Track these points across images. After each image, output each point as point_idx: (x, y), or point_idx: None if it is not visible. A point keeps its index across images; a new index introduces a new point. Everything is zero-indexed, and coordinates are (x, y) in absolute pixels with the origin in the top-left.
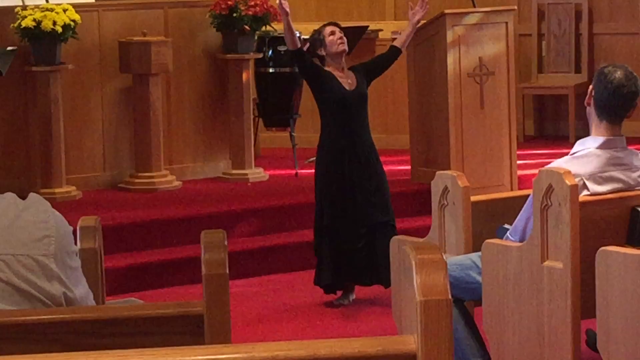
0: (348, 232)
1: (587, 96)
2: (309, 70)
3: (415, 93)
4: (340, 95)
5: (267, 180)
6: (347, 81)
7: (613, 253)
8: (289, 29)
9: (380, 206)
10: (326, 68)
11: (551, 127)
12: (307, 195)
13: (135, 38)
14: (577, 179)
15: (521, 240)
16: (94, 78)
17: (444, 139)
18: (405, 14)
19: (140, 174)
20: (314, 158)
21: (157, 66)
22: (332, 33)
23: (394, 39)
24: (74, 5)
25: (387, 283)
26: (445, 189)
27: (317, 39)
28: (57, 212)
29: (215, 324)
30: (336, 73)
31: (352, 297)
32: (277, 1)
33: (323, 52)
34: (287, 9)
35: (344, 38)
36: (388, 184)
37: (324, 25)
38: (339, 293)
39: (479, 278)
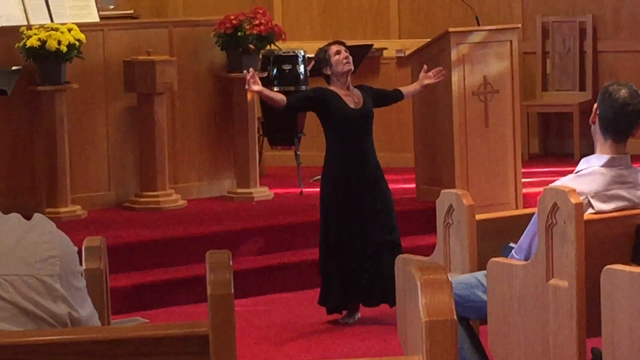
0: (354, 252)
1: (592, 114)
2: (307, 107)
3: (420, 111)
4: (345, 115)
5: (272, 199)
6: (353, 100)
7: (618, 271)
8: (268, 97)
9: (387, 225)
10: (331, 87)
11: (556, 145)
12: (312, 214)
13: (140, 57)
14: (582, 197)
15: (526, 259)
16: (99, 97)
17: (449, 157)
18: (409, 32)
19: (145, 193)
20: (320, 177)
21: (162, 85)
22: (338, 52)
23: (399, 57)
24: (79, 25)
25: (393, 302)
26: (450, 207)
27: (322, 58)
28: (62, 233)
29: (221, 345)
30: (341, 92)
31: (358, 315)
32: (246, 81)
33: (328, 72)
34: (256, 87)
35: (350, 57)
36: (393, 203)
37: (330, 44)
38: (344, 312)
39: (484, 297)
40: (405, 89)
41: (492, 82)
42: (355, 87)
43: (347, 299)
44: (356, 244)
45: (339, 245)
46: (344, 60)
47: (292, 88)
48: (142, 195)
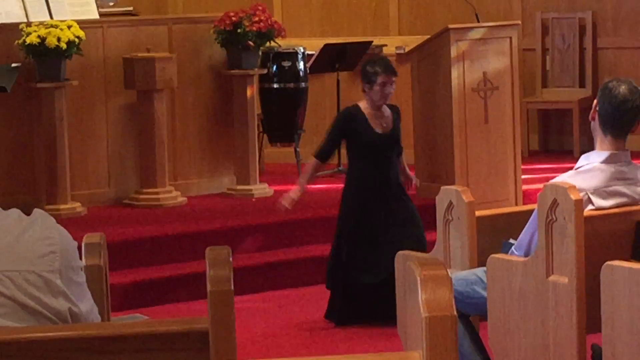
0: (367, 271)
1: (592, 111)
2: (339, 141)
3: (420, 108)
4: (370, 140)
5: (272, 196)
6: (381, 124)
7: (618, 268)
8: (308, 179)
9: (419, 242)
10: (361, 105)
11: (555, 141)
12: (312, 211)
13: (139, 54)
14: (581, 194)
15: (526, 255)
16: (99, 94)
17: (449, 154)
18: (409, 29)
19: (145, 190)
20: (320, 173)
21: (162, 82)
22: (383, 84)
23: (399, 53)
24: (78, 22)
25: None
26: (450, 204)
27: (370, 74)
28: (61, 228)
29: (221, 341)
30: (370, 112)
31: None
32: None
33: (366, 89)
34: (288, 204)
35: (392, 92)
36: (419, 217)
37: (384, 70)
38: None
39: (484, 293)
40: (400, 162)
41: (492, 79)
42: (388, 105)
43: (353, 315)
44: (370, 266)
45: (350, 264)
46: (385, 95)
47: (291, 85)
48: (141, 192)
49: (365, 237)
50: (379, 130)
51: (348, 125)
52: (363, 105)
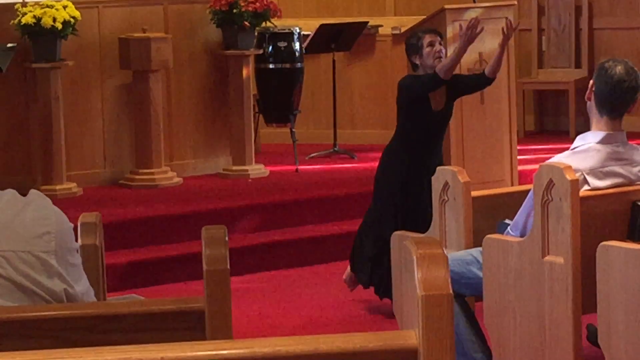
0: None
1: (588, 91)
2: (429, 91)
3: None
4: (428, 120)
5: (268, 176)
6: (435, 98)
7: (614, 248)
8: (458, 57)
9: None
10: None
11: (551, 122)
12: (308, 191)
13: (135, 34)
14: (577, 174)
15: (522, 236)
16: (94, 75)
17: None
18: (405, 9)
19: (140, 171)
20: (316, 154)
21: (157, 62)
22: (432, 44)
23: (394, 34)
24: (74, 2)
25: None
26: (446, 184)
27: (414, 44)
28: (57, 209)
29: (216, 320)
30: None
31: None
32: (469, 26)
33: (417, 61)
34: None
35: (444, 51)
36: None
37: (425, 32)
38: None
39: (479, 273)
40: (490, 68)
41: (488, 59)
42: None
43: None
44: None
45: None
46: (437, 54)
47: (287, 65)
48: (137, 173)
49: (407, 215)
50: (434, 106)
51: (422, 94)
52: None
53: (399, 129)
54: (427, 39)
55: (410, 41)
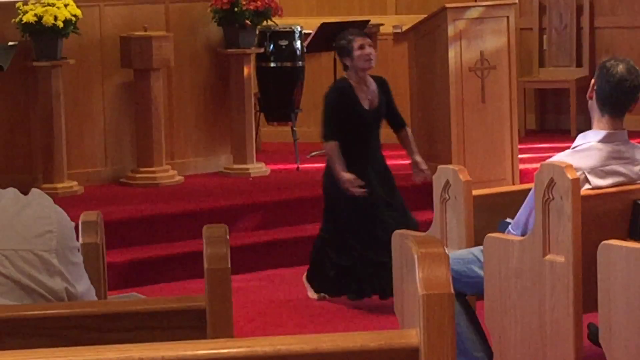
0: (362, 242)
1: (589, 90)
2: (339, 117)
3: (417, 87)
4: (357, 116)
5: (269, 175)
6: (367, 97)
7: (615, 247)
8: (341, 166)
9: (406, 221)
10: (348, 78)
11: (552, 121)
12: (309, 190)
13: (136, 33)
14: (578, 173)
15: (523, 234)
16: (95, 73)
17: (446, 133)
18: (406, 8)
19: (141, 169)
20: (317, 152)
21: (159, 61)
22: (362, 47)
23: (395, 33)
24: (75, 0)
25: (386, 294)
26: (447, 183)
27: (345, 47)
28: (59, 208)
29: (218, 319)
30: (356, 86)
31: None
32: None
33: (347, 62)
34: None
35: (374, 54)
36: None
37: (355, 35)
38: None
39: (480, 272)
40: (406, 135)
41: (489, 58)
42: (373, 77)
43: (339, 289)
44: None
45: (344, 234)
46: (366, 57)
47: (288, 64)
48: (138, 171)
49: (359, 212)
50: (366, 105)
51: (342, 100)
52: (350, 79)
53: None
54: (357, 42)
55: (341, 44)
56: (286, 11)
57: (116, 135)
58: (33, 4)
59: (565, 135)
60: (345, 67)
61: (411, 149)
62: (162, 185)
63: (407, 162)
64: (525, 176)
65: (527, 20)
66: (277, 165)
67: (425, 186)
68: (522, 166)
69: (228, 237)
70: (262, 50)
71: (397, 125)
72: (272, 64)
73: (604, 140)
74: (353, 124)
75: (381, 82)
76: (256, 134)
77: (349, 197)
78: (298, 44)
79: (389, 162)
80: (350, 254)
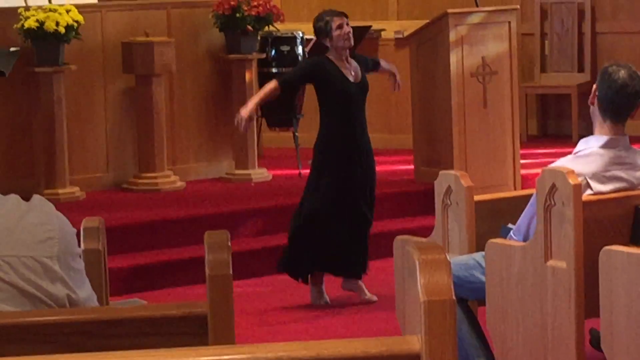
0: (337, 222)
1: (591, 95)
2: (305, 79)
3: (418, 93)
4: (345, 88)
5: (270, 181)
6: (351, 72)
7: (617, 252)
8: (262, 99)
9: (370, 202)
10: (329, 55)
11: (554, 126)
12: None
13: (138, 38)
14: (580, 178)
15: (525, 240)
16: (97, 79)
17: (447, 139)
18: (408, 13)
19: (143, 175)
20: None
21: (160, 67)
22: (340, 27)
23: (397, 38)
24: (77, 6)
25: (357, 274)
26: (449, 188)
27: (323, 28)
28: (60, 214)
29: (219, 325)
30: (339, 63)
31: (325, 296)
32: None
33: (327, 43)
34: (244, 115)
35: (351, 32)
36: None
37: (332, 15)
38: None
39: (482, 278)
40: (385, 65)
41: (491, 64)
42: (353, 56)
43: (313, 267)
44: (341, 215)
45: (321, 214)
46: (345, 36)
47: (290, 69)
48: (140, 177)
49: (338, 194)
50: (351, 78)
51: (318, 71)
52: (331, 58)
53: (321, 114)
54: (336, 22)
55: (319, 25)
56: (288, 17)
57: (118, 141)
58: (35, 9)
59: (566, 140)
60: (326, 50)
61: (388, 69)
62: (163, 190)
63: (407, 167)
64: (526, 182)
65: (529, 25)
66: (278, 171)
67: (426, 192)
68: (523, 172)
69: (230, 243)
70: (263, 55)
71: (376, 64)
72: (274, 70)
73: (605, 146)
74: (340, 96)
75: (358, 57)
76: (258, 139)
77: (334, 178)
78: (300, 49)
79: (381, 168)
80: (335, 228)
